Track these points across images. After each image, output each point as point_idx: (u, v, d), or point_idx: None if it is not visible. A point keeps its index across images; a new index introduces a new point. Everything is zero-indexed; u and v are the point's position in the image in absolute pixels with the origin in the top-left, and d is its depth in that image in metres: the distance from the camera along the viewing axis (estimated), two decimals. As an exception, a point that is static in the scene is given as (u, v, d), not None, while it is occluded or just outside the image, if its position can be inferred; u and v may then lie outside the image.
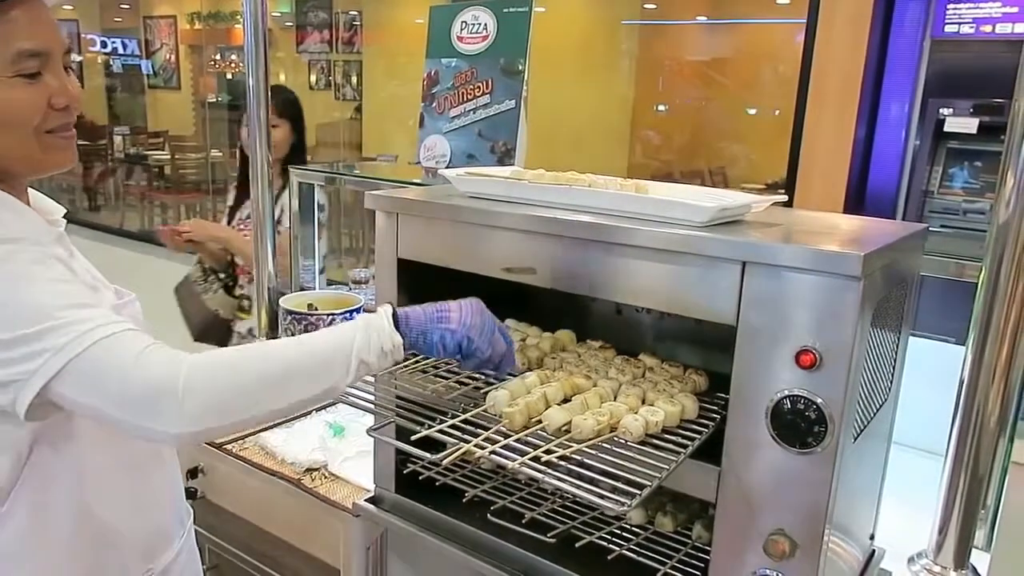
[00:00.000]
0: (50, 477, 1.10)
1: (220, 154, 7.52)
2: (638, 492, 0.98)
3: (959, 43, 2.77)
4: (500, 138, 2.11)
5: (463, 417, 1.15)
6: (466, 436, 1.09)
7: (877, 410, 1.19)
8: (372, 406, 1.23)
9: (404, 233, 1.35)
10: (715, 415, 1.18)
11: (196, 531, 1.40)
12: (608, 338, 1.42)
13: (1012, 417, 1.21)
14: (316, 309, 1.98)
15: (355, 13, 7.63)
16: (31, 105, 1.05)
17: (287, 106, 2.63)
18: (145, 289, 1.34)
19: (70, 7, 8.69)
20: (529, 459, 1.02)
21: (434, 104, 2.23)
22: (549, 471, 1.01)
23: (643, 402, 1.18)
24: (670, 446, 1.09)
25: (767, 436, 1.03)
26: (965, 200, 2.88)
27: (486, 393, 1.19)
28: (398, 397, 1.25)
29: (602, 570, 1.25)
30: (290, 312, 1.94)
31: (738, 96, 6.31)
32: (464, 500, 1.38)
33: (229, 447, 1.84)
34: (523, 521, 1.28)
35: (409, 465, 1.45)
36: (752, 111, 6.34)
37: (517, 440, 1.08)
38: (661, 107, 7.04)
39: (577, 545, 1.26)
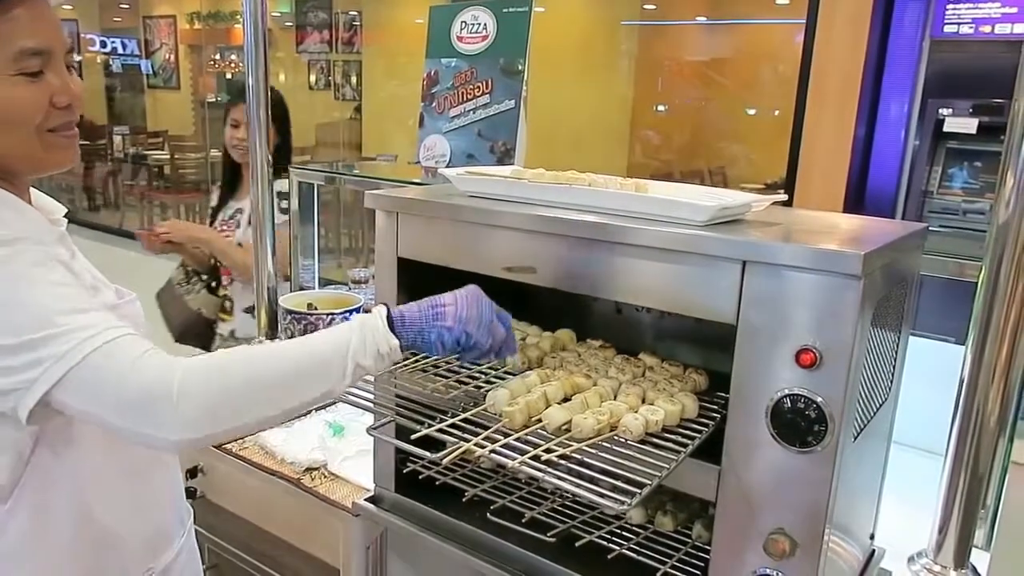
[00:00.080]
0: (51, 478, 1.10)
1: (220, 154, 7.51)
2: (638, 491, 0.98)
3: (958, 43, 2.77)
4: (500, 138, 2.11)
5: (463, 416, 1.15)
6: (466, 435, 1.09)
7: (877, 409, 1.19)
8: (372, 405, 1.23)
9: (404, 232, 1.35)
10: (715, 414, 1.18)
11: (196, 531, 1.40)
12: (608, 337, 1.42)
13: (1012, 416, 1.21)
14: (316, 308, 1.98)
15: (355, 13, 7.63)
16: (33, 104, 1.05)
17: (272, 107, 2.55)
18: (145, 289, 1.34)
19: (69, 7, 8.68)
20: (529, 458, 1.02)
21: (434, 104, 2.23)
22: (549, 470, 1.01)
23: (643, 401, 1.18)
24: (670, 445, 1.09)
25: (767, 435, 1.03)
26: (964, 200, 2.88)
27: (486, 392, 1.19)
28: (397, 396, 1.25)
29: (602, 569, 1.25)
30: (290, 312, 1.94)
31: (738, 96, 6.31)
32: (464, 499, 1.38)
33: (229, 447, 1.84)
34: (523, 520, 1.28)
35: (409, 464, 1.45)
36: (752, 111, 6.34)
37: (517, 439, 1.08)
38: (661, 107, 7.04)
39: (577, 544, 1.26)
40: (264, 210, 2.17)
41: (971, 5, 2.73)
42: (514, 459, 1.03)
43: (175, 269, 2.72)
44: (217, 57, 8.80)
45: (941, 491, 1.21)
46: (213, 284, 2.66)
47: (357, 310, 1.97)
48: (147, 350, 0.98)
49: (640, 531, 1.33)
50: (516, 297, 1.29)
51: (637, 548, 1.28)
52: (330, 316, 1.93)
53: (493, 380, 1.26)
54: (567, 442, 1.06)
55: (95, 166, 8.64)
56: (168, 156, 8.50)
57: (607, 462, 1.04)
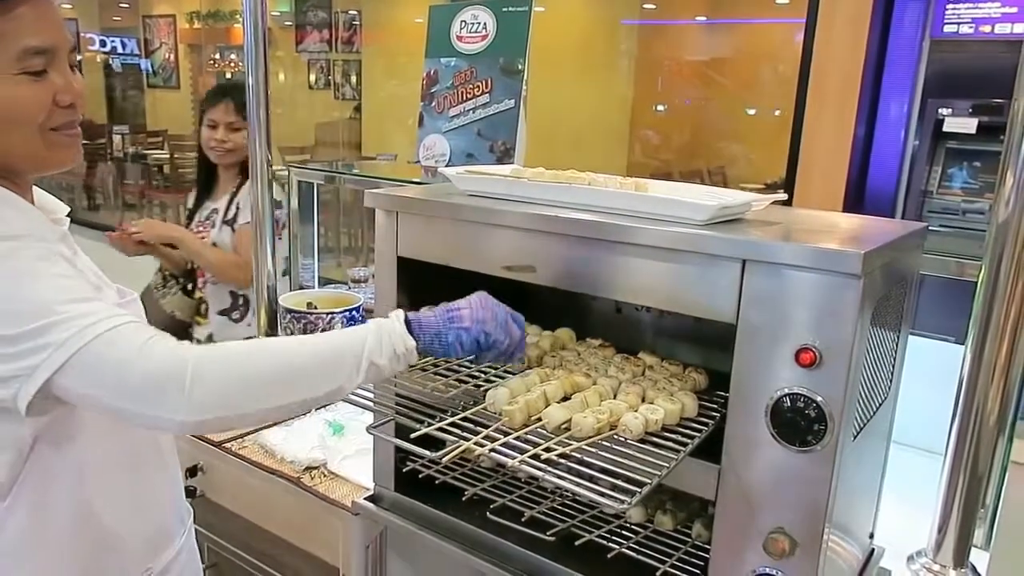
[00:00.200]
0: (51, 476, 1.10)
1: (219, 153, 7.51)
2: (638, 490, 0.98)
3: (958, 43, 2.77)
4: (499, 137, 2.11)
5: (463, 415, 1.15)
6: (466, 434, 1.09)
7: (877, 409, 1.19)
8: (371, 404, 1.23)
9: (404, 231, 1.35)
10: (715, 413, 1.18)
11: (195, 529, 1.40)
12: (608, 336, 1.42)
13: (1011, 416, 1.21)
14: (316, 308, 1.98)
15: (354, 12, 7.63)
16: (36, 102, 1.05)
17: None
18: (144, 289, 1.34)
19: (69, 6, 8.68)
20: (529, 457, 1.02)
21: (433, 103, 2.23)
22: (549, 469, 1.01)
23: (643, 400, 1.18)
24: (670, 444, 1.09)
25: (767, 434, 1.03)
26: (964, 200, 2.88)
27: (486, 391, 1.19)
28: (397, 395, 1.25)
29: (602, 568, 1.25)
30: (290, 311, 1.94)
31: (737, 96, 6.32)
32: (464, 498, 1.38)
33: (228, 445, 1.84)
34: (523, 519, 1.28)
35: (408, 463, 1.45)
36: (751, 111, 6.34)
37: (517, 438, 1.08)
38: (660, 107, 7.04)
39: (577, 543, 1.26)
40: (264, 210, 2.17)
41: (971, 5, 2.73)
42: (514, 458, 1.03)
43: (155, 272, 2.67)
44: (217, 56, 8.80)
45: (940, 490, 1.21)
46: (189, 287, 2.60)
47: (357, 309, 1.97)
48: (152, 336, 0.99)
49: (640, 530, 1.33)
50: (516, 296, 1.29)
51: (637, 547, 1.28)
52: (330, 315, 1.93)
53: (493, 379, 1.26)
54: (567, 441, 1.06)
55: (95, 165, 8.64)
56: (168, 155, 8.51)
57: (607, 461, 1.04)
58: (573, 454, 1.04)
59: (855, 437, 1.08)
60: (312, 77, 8.12)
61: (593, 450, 1.06)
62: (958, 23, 2.76)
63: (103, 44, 9.43)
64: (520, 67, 2.08)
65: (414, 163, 2.32)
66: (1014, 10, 2.67)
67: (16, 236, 1.01)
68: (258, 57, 2.01)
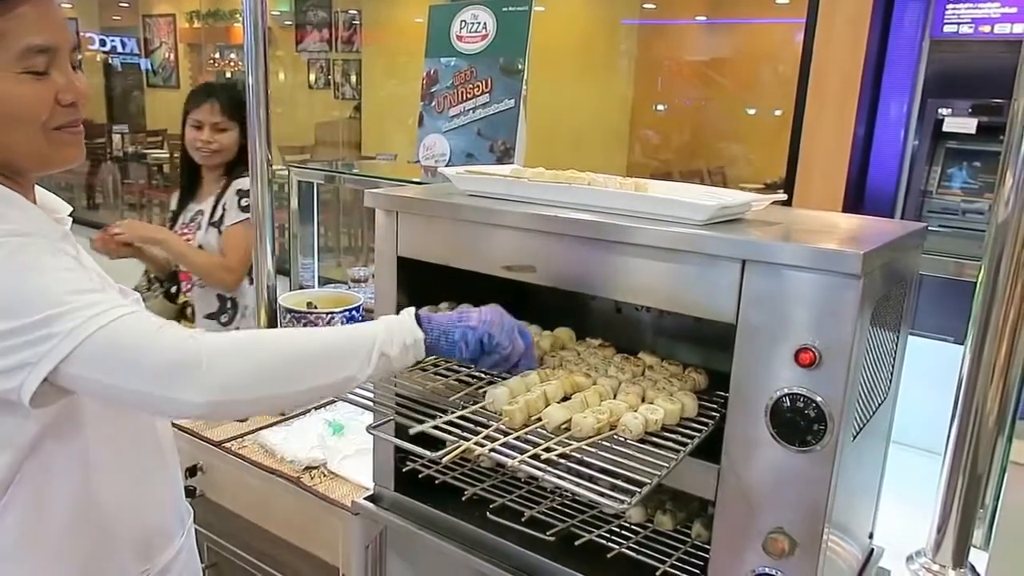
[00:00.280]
0: (50, 475, 1.10)
1: (218, 153, 7.51)
2: (637, 490, 0.98)
3: (958, 43, 2.77)
4: (499, 137, 2.11)
5: (463, 415, 1.15)
6: (466, 434, 1.09)
7: (876, 409, 1.19)
8: (371, 403, 1.23)
9: (404, 231, 1.35)
10: (714, 413, 1.18)
11: (195, 529, 1.39)
12: (608, 336, 1.42)
13: (1011, 416, 1.21)
14: (316, 307, 1.98)
15: (354, 12, 7.64)
16: (39, 101, 1.05)
17: (238, 108, 2.41)
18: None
19: (69, 5, 8.68)
20: (529, 457, 1.02)
21: (433, 103, 2.23)
22: (549, 469, 1.01)
23: (643, 400, 1.18)
24: (669, 444, 1.09)
25: (766, 434, 1.03)
26: (964, 200, 2.88)
27: (486, 391, 1.19)
28: (397, 395, 1.25)
29: (601, 568, 1.25)
30: (290, 310, 1.95)
31: (737, 96, 6.32)
32: (463, 498, 1.38)
33: (228, 445, 1.85)
34: (522, 519, 1.29)
35: (408, 463, 1.45)
36: (751, 111, 6.34)
37: (517, 438, 1.08)
38: (660, 107, 7.05)
39: (576, 543, 1.26)
40: (264, 209, 2.17)
41: (971, 5, 2.73)
42: (514, 458, 1.03)
43: (141, 275, 2.62)
44: (217, 56, 8.81)
45: (940, 490, 1.21)
46: (173, 290, 2.56)
47: (357, 309, 1.97)
48: (163, 324, 0.99)
49: (639, 530, 1.33)
50: (516, 296, 1.29)
51: (636, 547, 1.28)
52: (330, 315, 1.93)
53: (495, 380, 1.26)
54: (567, 441, 1.06)
55: (94, 165, 8.64)
56: (167, 155, 8.50)
57: (607, 461, 1.04)
58: (573, 454, 1.04)
59: (855, 437, 1.08)
60: (312, 77, 8.13)
61: (593, 450, 1.06)
62: (958, 23, 2.76)
63: (103, 43, 9.43)
64: (520, 67, 2.08)
65: (414, 163, 2.32)
66: (1014, 10, 2.67)
67: (23, 233, 1.01)
68: (258, 57, 2.01)
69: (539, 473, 1.01)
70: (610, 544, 1.29)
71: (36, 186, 1.17)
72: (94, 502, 1.15)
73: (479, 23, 2.15)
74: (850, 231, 1.22)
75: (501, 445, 1.06)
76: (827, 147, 2.79)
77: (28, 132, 1.06)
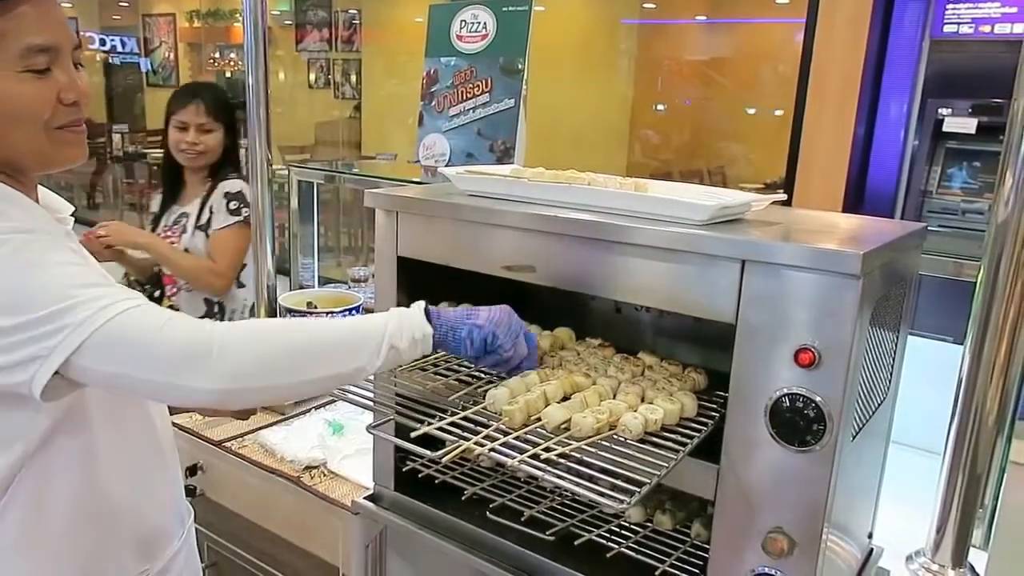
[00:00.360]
0: (51, 474, 1.10)
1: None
2: (637, 489, 0.98)
3: (958, 43, 2.77)
4: (499, 137, 2.11)
5: (463, 415, 1.15)
6: (465, 434, 1.09)
7: (876, 409, 1.19)
8: (371, 403, 1.23)
9: (404, 231, 1.35)
10: (714, 413, 1.18)
11: (195, 528, 1.39)
12: (607, 336, 1.42)
13: (1010, 416, 1.21)
14: (315, 307, 1.98)
15: (354, 12, 7.64)
16: (40, 100, 1.05)
17: (222, 110, 2.43)
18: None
19: (69, 5, 8.68)
20: (528, 457, 1.02)
21: (433, 103, 2.23)
22: (548, 469, 1.01)
23: (642, 400, 1.18)
24: (669, 444, 1.09)
25: (766, 434, 1.03)
26: (963, 200, 2.89)
27: (486, 391, 1.19)
28: (397, 395, 1.25)
29: (601, 568, 1.25)
30: (290, 310, 1.95)
31: (737, 96, 6.32)
32: (463, 498, 1.38)
33: (228, 444, 1.85)
34: (522, 519, 1.29)
35: (408, 463, 1.46)
36: (751, 111, 6.34)
37: (516, 438, 1.08)
38: (660, 106, 7.04)
39: (576, 543, 1.27)
40: (264, 209, 2.17)
41: (971, 5, 2.73)
42: (513, 458, 1.03)
43: (120, 278, 2.55)
44: (217, 55, 8.81)
45: (939, 490, 1.22)
46: (156, 295, 2.52)
47: (357, 309, 1.98)
48: (172, 315, 1.00)
49: (639, 529, 1.33)
50: (516, 296, 1.29)
51: (636, 547, 1.28)
52: (330, 315, 1.93)
53: (495, 379, 1.26)
54: (566, 441, 1.07)
55: (94, 164, 8.64)
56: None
57: (606, 461, 1.04)
58: (573, 454, 1.04)
59: (854, 437, 1.08)
60: (312, 76, 8.13)
61: (592, 450, 1.06)
62: (958, 23, 2.76)
63: (103, 43, 9.43)
64: (520, 66, 2.08)
65: (414, 163, 2.32)
66: (1014, 10, 2.67)
67: (26, 230, 1.01)
68: (258, 56, 2.01)
69: (539, 473, 1.01)
70: (610, 544, 1.29)
71: (39, 186, 1.17)
72: (94, 501, 1.15)
73: (479, 23, 2.15)
74: (850, 231, 1.22)
75: (501, 445, 1.06)
76: (827, 147, 2.80)
77: (30, 131, 1.06)
